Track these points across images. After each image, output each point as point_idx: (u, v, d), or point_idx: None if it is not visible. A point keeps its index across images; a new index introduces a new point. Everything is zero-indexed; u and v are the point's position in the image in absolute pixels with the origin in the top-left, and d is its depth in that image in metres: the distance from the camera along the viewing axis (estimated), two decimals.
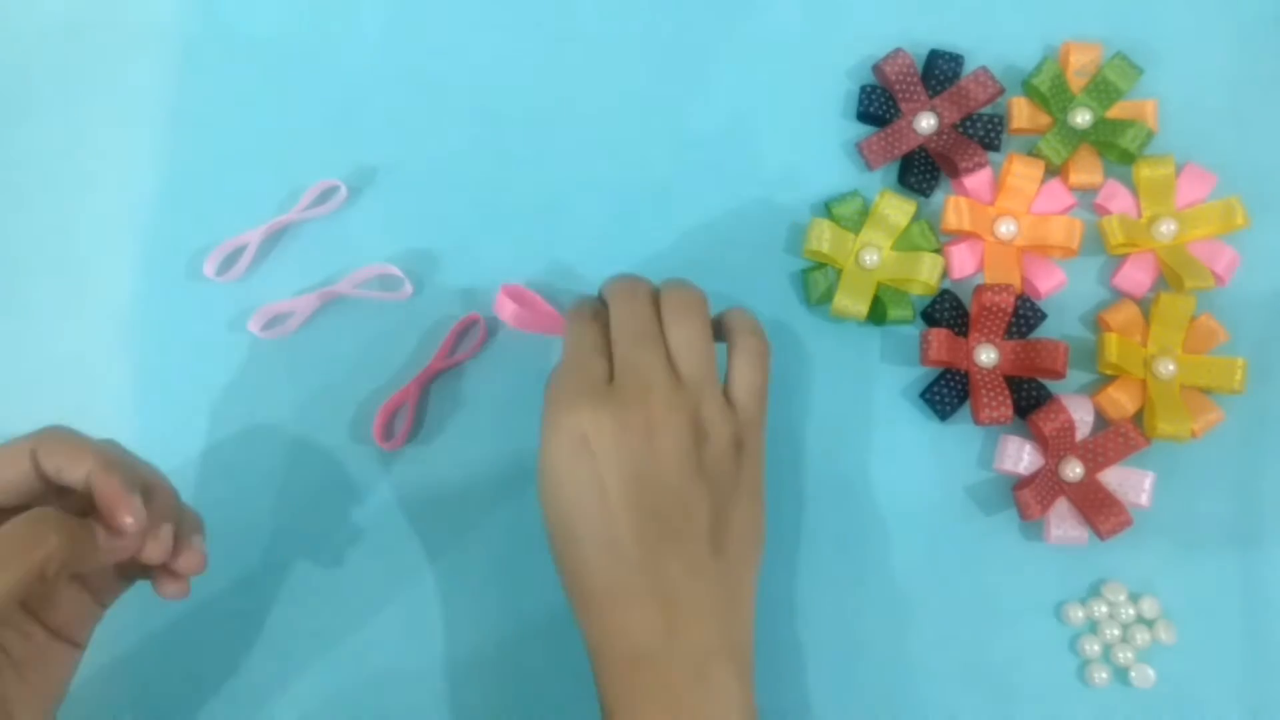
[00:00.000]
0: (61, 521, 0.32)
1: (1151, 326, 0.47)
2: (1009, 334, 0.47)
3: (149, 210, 0.49)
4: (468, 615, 0.45)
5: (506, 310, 0.45)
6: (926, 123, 0.49)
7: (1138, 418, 0.46)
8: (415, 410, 0.46)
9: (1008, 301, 0.46)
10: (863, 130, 0.50)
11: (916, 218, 0.48)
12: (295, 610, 0.45)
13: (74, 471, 0.34)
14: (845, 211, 0.48)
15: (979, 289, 0.47)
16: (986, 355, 0.46)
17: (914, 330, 0.48)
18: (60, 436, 0.34)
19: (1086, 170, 0.49)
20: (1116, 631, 0.45)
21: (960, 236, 0.48)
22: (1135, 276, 0.47)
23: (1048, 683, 0.45)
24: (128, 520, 0.33)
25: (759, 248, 0.49)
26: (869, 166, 0.49)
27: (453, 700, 0.44)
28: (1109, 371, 0.47)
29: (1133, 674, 0.44)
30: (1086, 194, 0.49)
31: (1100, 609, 0.45)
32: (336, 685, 0.44)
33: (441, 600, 0.45)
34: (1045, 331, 0.47)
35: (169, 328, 0.48)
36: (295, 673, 0.44)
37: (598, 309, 0.42)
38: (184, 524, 0.37)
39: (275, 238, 0.49)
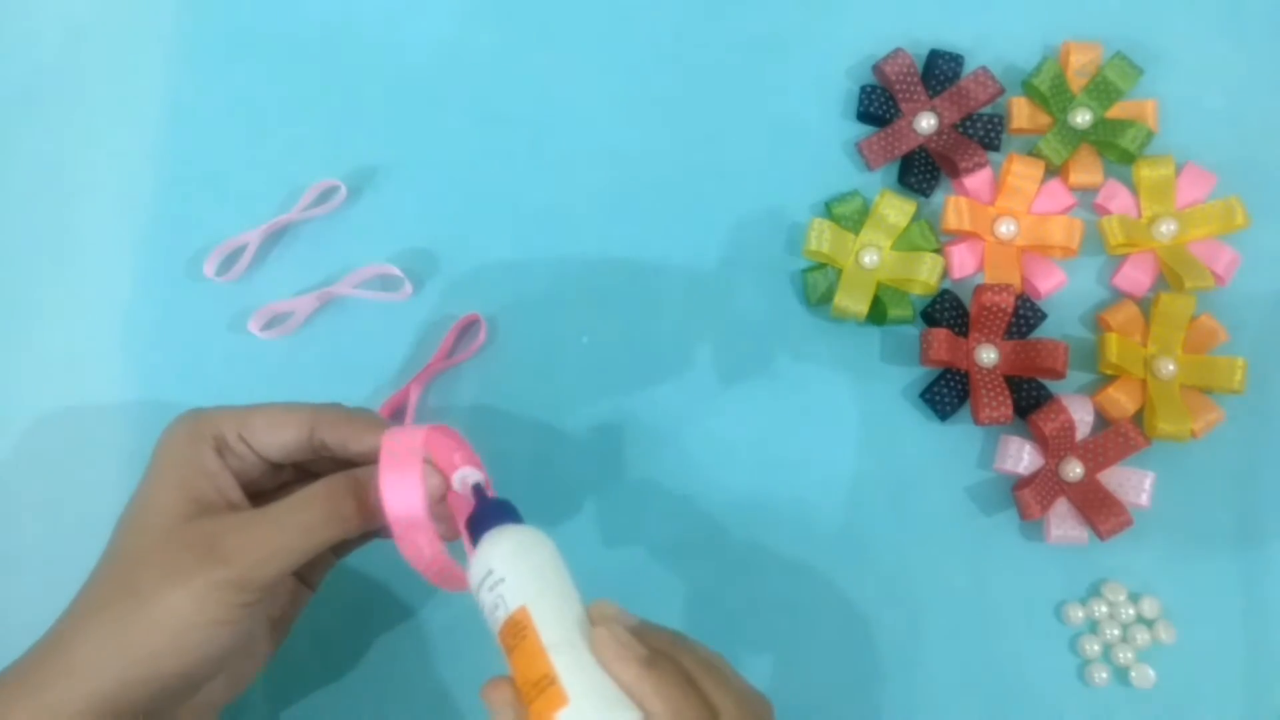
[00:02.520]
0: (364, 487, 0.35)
1: (1151, 326, 0.47)
2: (1009, 334, 0.47)
3: (149, 210, 0.49)
4: (468, 614, 0.45)
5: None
6: (926, 123, 0.49)
7: (1138, 418, 0.46)
8: (415, 410, 0.46)
9: (1008, 301, 0.46)
10: (863, 130, 0.50)
11: (916, 218, 0.48)
12: None
13: (360, 444, 0.36)
14: (845, 211, 0.48)
15: (979, 289, 0.47)
16: (986, 355, 0.46)
17: (914, 330, 0.48)
18: (344, 413, 0.37)
19: (1086, 170, 0.49)
20: (1116, 631, 0.45)
21: (960, 236, 0.48)
22: (1135, 276, 0.47)
23: (1048, 683, 0.45)
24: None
25: (759, 248, 0.49)
26: (869, 166, 0.49)
27: (444, 708, 0.44)
28: (1109, 371, 0.47)
29: (1133, 674, 0.44)
30: (1086, 194, 0.49)
31: (1100, 609, 0.45)
32: (334, 683, 0.44)
33: (441, 599, 0.45)
34: (1045, 331, 0.47)
35: (169, 328, 0.48)
36: (292, 671, 0.44)
37: (681, 671, 0.32)
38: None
39: (275, 238, 0.49)
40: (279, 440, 0.36)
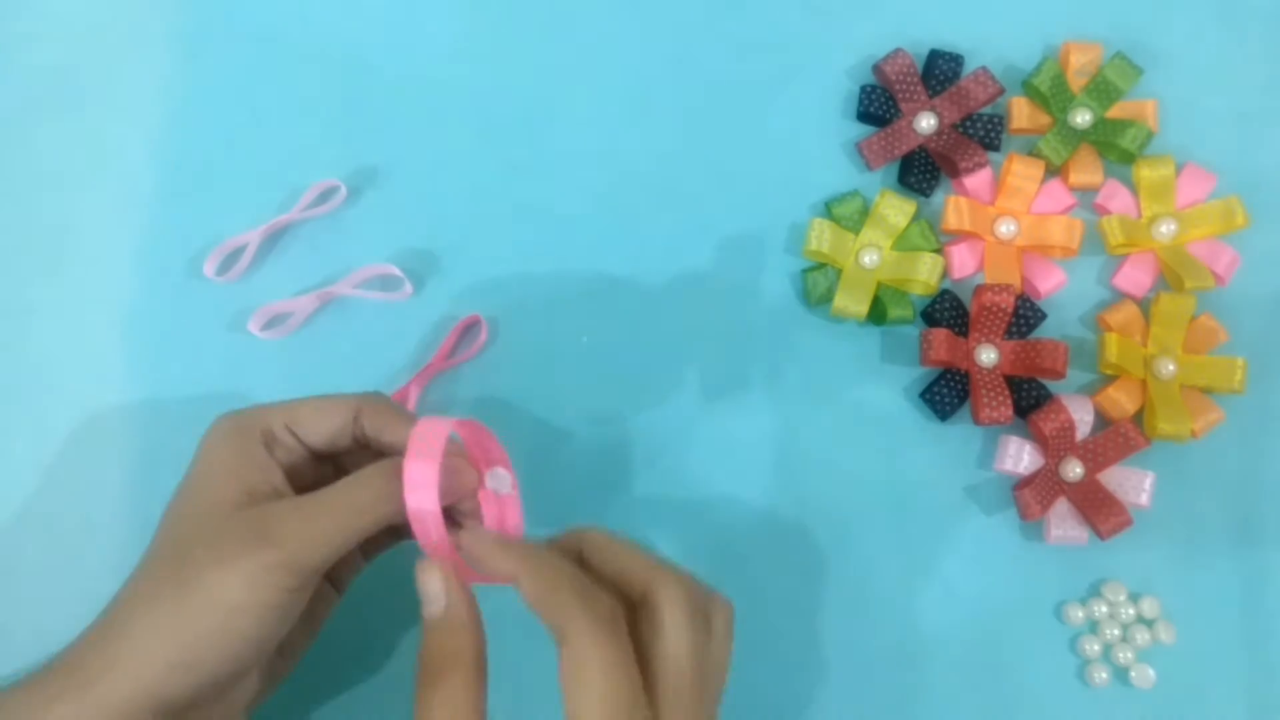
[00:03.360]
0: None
1: (1151, 326, 0.47)
2: (1009, 334, 0.47)
3: (149, 210, 0.49)
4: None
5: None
6: (926, 123, 0.49)
7: (1138, 418, 0.46)
8: (415, 411, 0.46)
9: (1008, 301, 0.46)
10: (863, 130, 0.50)
11: (916, 218, 0.48)
12: None
13: (395, 434, 0.37)
14: (845, 211, 0.48)
15: (979, 289, 0.47)
16: (986, 355, 0.46)
17: (914, 330, 0.48)
18: (386, 402, 0.38)
19: (1086, 170, 0.49)
20: (1116, 631, 0.45)
21: (960, 236, 0.48)
22: (1135, 276, 0.47)
23: (1048, 683, 0.45)
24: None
25: (759, 248, 0.49)
26: (869, 166, 0.49)
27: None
28: (1109, 371, 0.47)
29: (1133, 674, 0.44)
30: (1086, 194, 0.49)
31: (1100, 609, 0.45)
32: (333, 681, 0.44)
33: None
34: (1045, 331, 0.47)
35: (169, 328, 0.48)
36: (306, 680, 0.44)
37: (616, 611, 0.33)
38: None
39: (275, 238, 0.49)
40: (325, 427, 0.37)
